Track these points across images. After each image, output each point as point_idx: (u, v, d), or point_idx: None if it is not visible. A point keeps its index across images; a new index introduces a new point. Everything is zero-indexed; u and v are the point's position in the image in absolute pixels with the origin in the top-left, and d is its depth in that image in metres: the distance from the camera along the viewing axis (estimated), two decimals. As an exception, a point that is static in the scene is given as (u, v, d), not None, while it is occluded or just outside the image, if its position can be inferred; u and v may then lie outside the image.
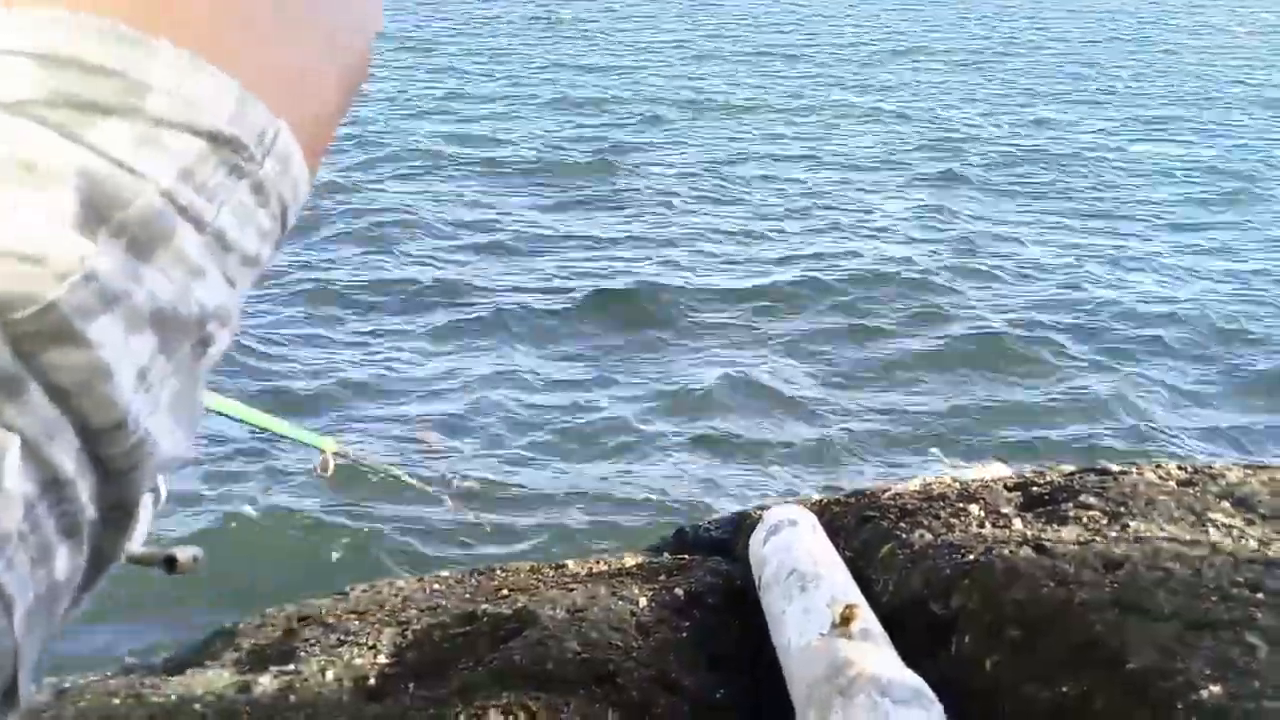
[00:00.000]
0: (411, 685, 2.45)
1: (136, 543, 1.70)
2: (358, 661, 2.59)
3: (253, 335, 7.13)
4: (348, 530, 5.00)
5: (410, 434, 6.01)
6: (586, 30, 21.58)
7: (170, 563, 1.58)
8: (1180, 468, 2.91)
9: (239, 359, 6.76)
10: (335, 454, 2.79)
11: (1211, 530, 2.45)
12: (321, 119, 0.40)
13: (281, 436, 2.77)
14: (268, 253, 0.38)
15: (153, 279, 0.33)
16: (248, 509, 5.13)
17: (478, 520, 4.34)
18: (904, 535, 2.68)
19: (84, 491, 0.32)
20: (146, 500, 1.62)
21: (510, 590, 2.96)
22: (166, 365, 0.34)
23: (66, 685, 2.88)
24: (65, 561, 0.32)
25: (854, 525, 2.92)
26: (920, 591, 2.47)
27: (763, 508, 3.45)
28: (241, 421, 2.32)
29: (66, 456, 0.31)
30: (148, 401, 0.33)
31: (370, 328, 7.38)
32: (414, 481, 3.99)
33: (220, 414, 2.11)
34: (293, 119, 0.37)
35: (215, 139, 0.34)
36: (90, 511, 0.32)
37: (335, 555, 4.83)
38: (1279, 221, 10.43)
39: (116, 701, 2.47)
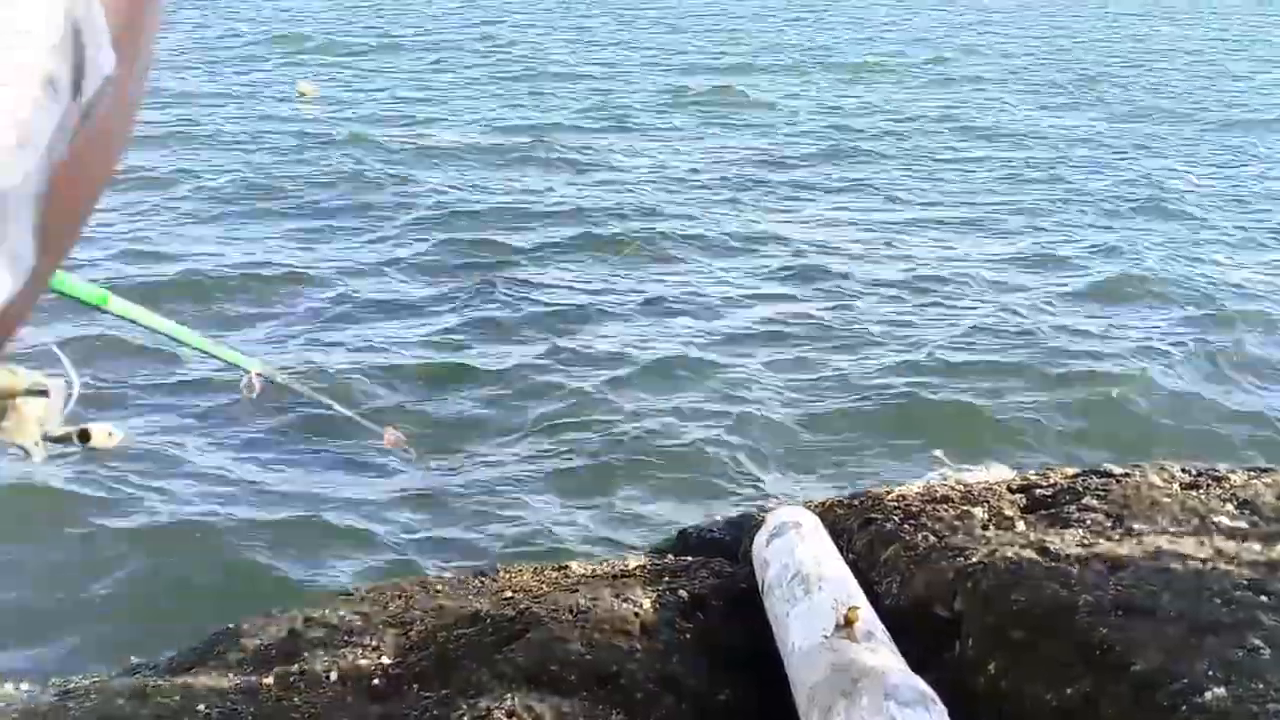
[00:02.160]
0: (415, 686, 2.45)
1: (54, 424, 1.67)
2: (361, 662, 2.59)
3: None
4: (347, 529, 5.00)
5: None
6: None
7: (84, 436, 1.58)
8: (1184, 470, 2.91)
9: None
10: (259, 375, 2.71)
11: (1215, 533, 2.45)
12: None
13: (206, 354, 2.70)
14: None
15: None
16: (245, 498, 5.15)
17: (411, 456, 4.26)
18: (907, 537, 2.68)
19: None
20: (59, 386, 1.57)
21: (513, 592, 2.96)
22: None
23: (72, 685, 2.89)
24: None
25: (857, 527, 2.92)
26: (923, 594, 2.47)
27: (766, 509, 3.45)
28: (164, 335, 2.26)
29: None
30: None
31: (378, 324, 7.38)
32: (344, 410, 3.93)
33: (135, 323, 2.06)
34: None
35: None
36: None
37: (336, 556, 4.83)
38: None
39: (121, 701, 2.47)
